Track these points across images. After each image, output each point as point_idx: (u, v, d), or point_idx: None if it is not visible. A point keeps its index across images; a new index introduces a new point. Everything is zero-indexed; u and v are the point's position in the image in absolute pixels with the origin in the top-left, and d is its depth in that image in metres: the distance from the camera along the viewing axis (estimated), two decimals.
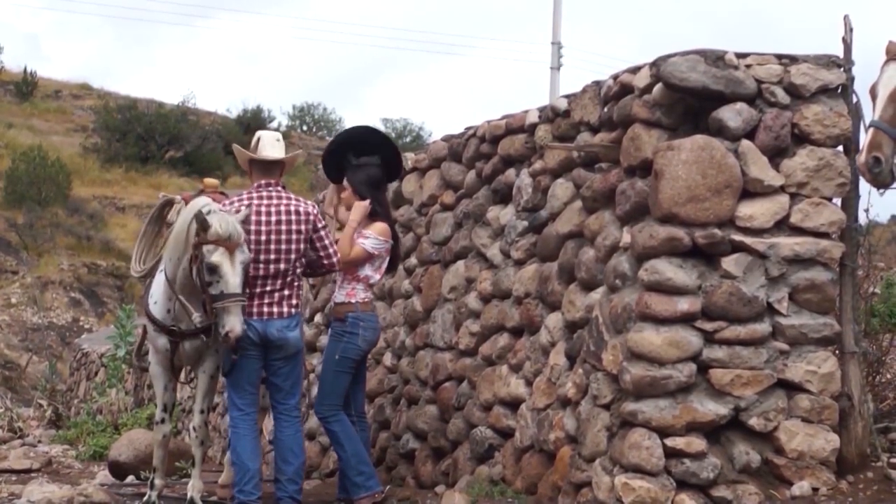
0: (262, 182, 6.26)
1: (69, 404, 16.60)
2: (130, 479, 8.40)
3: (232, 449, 6.26)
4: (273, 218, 6.13)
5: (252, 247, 6.04)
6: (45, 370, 17.99)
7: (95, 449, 10.84)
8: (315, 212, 6.28)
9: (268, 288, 6.11)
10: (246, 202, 6.17)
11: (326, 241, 6.31)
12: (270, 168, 6.33)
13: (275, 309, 6.13)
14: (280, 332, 6.12)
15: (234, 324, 5.84)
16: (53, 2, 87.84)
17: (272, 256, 6.10)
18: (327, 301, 9.05)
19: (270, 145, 6.36)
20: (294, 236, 6.14)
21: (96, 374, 16.17)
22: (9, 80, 44.68)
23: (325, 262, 6.36)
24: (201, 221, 5.85)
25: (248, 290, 6.04)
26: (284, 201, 6.21)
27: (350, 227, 6.49)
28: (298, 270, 6.26)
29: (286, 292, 6.16)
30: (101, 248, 31.86)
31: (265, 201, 6.18)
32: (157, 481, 6.62)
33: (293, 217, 6.16)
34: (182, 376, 6.98)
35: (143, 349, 7.06)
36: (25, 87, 44.08)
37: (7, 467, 9.01)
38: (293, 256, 6.15)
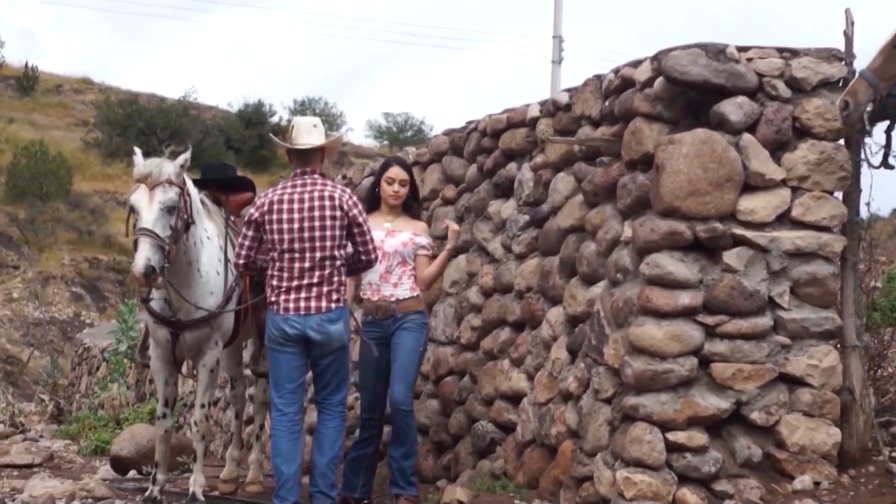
0: (299, 171, 5.99)
1: (71, 399, 16.60)
2: (132, 473, 8.42)
3: (271, 449, 6.03)
4: (306, 204, 5.82)
5: (286, 236, 5.81)
6: (47, 365, 18.01)
7: (97, 444, 10.84)
8: (353, 200, 5.90)
9: (305, 281, 5.79)
10: (279, 191, 5.92)
11: (368, 237, 5.97)
12: (307, 156, 6.02)
13: (313, 304, 5.78)
14: (320, 327, 5.78)
15: (137, 259, 5.82)
16: None
17: (306, 244, 5.79)
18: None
19: (307, 132, 6.07)
20: (328, 222, 5.77)
21: (98, 368, 16.21)
22: (10, 74, 44.69)
23: (363, 257, 5.98)
24: (131, 164, 6.00)
25: (285, 283, 5.82)
26: (319, 187, 5.86)
27: (448, 252, 6.55)
28: (339, 263, 5.84)
29: (325, 288, 5.80)
30: (103, 242, 31.91)
31: (298, 189, 5.86)
32: (160, 476, 6.62)
33: (326, 202, 5.79)
34: (184, 370, 6.98)
35: (146, 345, 7.07)
36: (26, 82, 44.09)
37: (8, 462, 8.99)
38: (328, 244, 5.77)
